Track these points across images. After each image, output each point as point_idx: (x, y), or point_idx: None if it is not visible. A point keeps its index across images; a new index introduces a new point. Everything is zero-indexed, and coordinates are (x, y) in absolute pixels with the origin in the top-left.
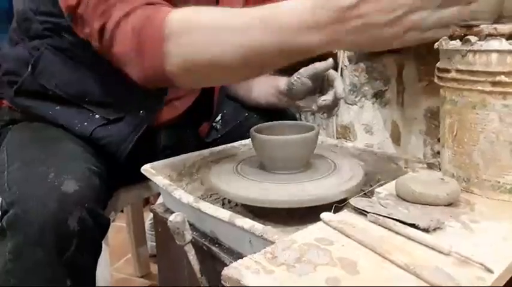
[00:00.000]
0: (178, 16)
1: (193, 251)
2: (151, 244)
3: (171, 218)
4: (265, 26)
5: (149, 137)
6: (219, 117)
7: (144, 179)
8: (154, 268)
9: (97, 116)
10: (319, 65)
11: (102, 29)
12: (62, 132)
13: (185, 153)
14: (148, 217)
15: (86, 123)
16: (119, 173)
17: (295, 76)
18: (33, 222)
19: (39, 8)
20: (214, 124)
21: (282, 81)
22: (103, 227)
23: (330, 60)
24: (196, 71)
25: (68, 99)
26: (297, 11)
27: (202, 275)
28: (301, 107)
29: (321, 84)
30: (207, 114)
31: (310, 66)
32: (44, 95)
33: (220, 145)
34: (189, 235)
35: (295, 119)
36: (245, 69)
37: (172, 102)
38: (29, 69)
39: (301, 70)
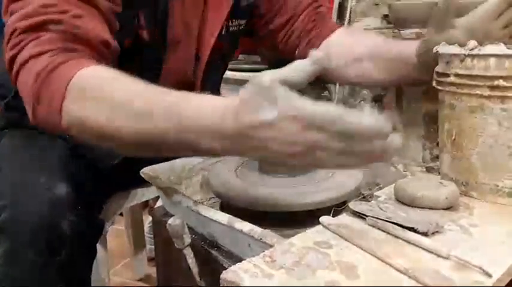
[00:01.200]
0: (85, 77)
1: (192, 255)
2: (150, 247)
3: (170, 221)
4: (168, 119)
5: None
6: None
7: (143, 182)
8: (153, 272)
9: None
10: None
11: (11, 60)
12: (53, 137)
13: (183, 156)
14: (147, 220)
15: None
16: (116, 176)
17: (424, 41)
18: (25, 226)
19: None
20: None
21: (410, 47)
22: (97, 230)
23: None
24: (89, 137)
25: None
26: (207, 114)
27: (201, 279)
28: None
29: None
30: None
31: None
32: None
33: None
34: (188, 238)
35: None
36: (139, 151)
37: None
38: (12, 93)
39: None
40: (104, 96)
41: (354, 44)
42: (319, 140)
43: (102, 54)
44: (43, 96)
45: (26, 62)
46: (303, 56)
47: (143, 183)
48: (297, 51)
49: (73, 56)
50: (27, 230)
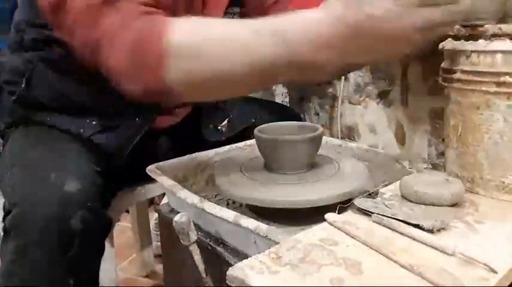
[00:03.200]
0: (179, 27)
1: (198, 251)
2: (156, 244)
3: (176, 218)
4: (275, 40)
5: (150, 139)
6: (225, 122)
7: (149, 179)
8: (159, 268)
9: (94, 122)
10: None
11: (89, 40)
12: (63, 134)
13: (188, 154)
14: (153, 217)
15: (82, 130)
16: (122, 173)
17: None
18: (35, 222)
19: (31, 20)
20: (219, 127)
21: None
22: (106, 226)
23: None
24: (200, 86)
25: (63, 109)
26: (312, 25)
27: (207, 275)
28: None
29: None
30: (209, 117)
31: None
32: (40, 105)
33: (224, 145)
34: (194, 235)
35: (300, 120)
36: (253, 83)
37: (172, 110)
38: (23, 85)
39: None
40: (206, 38)
41: None
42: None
43: (167, 9)
44: (142, 62)
45: (112, 36)
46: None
47: (149, 180)
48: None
49: (154, 17)
50: (37, 227)
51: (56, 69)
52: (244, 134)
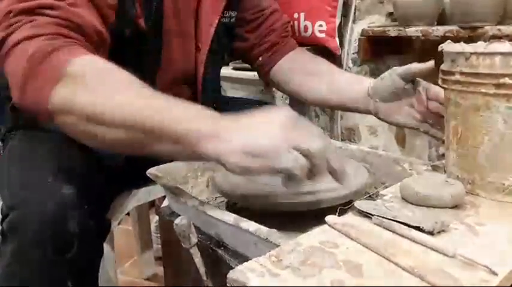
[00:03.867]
0: (82, 64)
1: (198, 254)
2: (157, 246)
3: (177, 221)
4: (154, 116)
5: None
6: None
7: (149, 181)
8: (160, 271)
9: None
10: (415, 66)
11: (3, 40)
12: (63, 137)
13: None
14: (154, 220)
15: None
16: (122, 175)
17: (387, 72)
18: (33, 225)
19: None
20: None
21: (369, 82)
22: (104, 229)
23: (430, 63)
24: (71, 122)
25: None
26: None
27: (207, 278)
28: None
29: (412, 93)
30: None
31: (407, 65)
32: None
33: None
34: (194, 238)
35: None
36: (116, 146)
37: None
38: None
39: (395, 67)
40: (99, 84)
41: (307, 62)
42: None
43: (95, 43)
44: (36, 76)
45: (18, 43)
46: (264, 65)
47: (149, 182)
48: (260, 59)
49: (69, 42)
50: (35, 230)
51: None
52: None
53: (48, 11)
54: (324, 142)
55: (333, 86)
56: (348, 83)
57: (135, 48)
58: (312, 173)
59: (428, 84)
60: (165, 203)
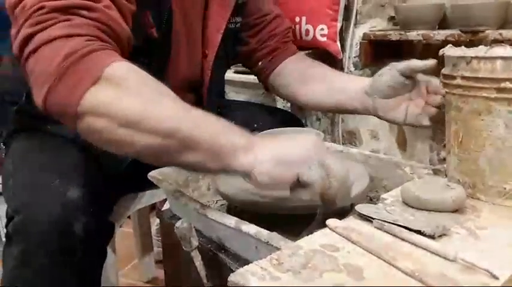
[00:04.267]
0: (122, 68)
1: (199, 257)
2: (157, 249)
3: (178, 224)
4: (197, 125)
5: None
6: None
7: (151, 185)
8: (160, 274)
9: None
10: (415, 62)
11: (30, 36)
12: (66, 141)
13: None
14: (155, 223)
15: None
16: (124, 179)
17: (386, 67)
18: (38, 228)
19: None
20: None
21: (367, 80)
22: (108, 232)
23: (431, 62)
24: (101, 128)
25: None
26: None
27: (208, 281)
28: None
29: (411, 88)
30: None
31: (406, 61)
32: (41, 115)
33: None
34: (195, 241)
35: (301, 125)
36: (144, 154)
37: None
38: (23, 98)
39: (394, 63)
40: (142, 90)
41: (306, 67)
42: None
43: (125, 50)
44: (70, 76)
45: (50, 40)
46: (264, 70)
47: (153, 186)
48: (260, 63)
49: (105, 46)
50: (40, 232)
51: None
52: None
53: (84, 12)
54: (347, 171)
55: (331, 88)
56: (345, 82)
57: (143, 56)
58: (325, 193)
59: (428, 78)
60: (166, 206)
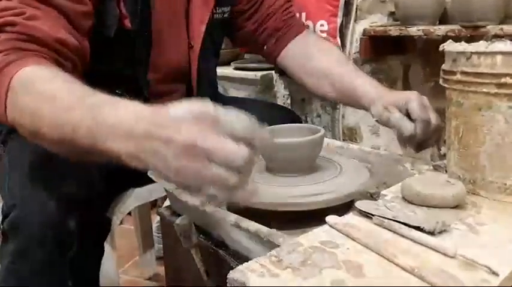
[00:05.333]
0: (23, 75)
1: (199, 254)
2: (158, 246)
3: (178, 221)
4: (84, 116)
5: None
6: None
7: (150, 181)
8: (161, 271)
9: None
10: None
11: None
12: None
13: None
14: (155, 220)
15: None
16: (123, 175)
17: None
18: (33, 224)
19: None
20: None
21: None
22: (104, 228)
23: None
24: (24, 131)
25: None
26: (119, 115)
27: (208, 278)
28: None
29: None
30: None
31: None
32: None
33: None
34: (195, 238)
35: (301, 122)
36: (60, 147)
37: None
38: None
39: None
40: (36, 92)
41: (313, 57)
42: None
43: (60, 52)
44: None
45: None
46: (271, 53)
47: (150, 181)
48: (265, 47)
49: (23, 55)
50: (35, 229)
51: None
52: None
53: (8, 28)
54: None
55: (337, 89)
56: (351, 83)
57: (123, 48)
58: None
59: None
60: (167, 203)
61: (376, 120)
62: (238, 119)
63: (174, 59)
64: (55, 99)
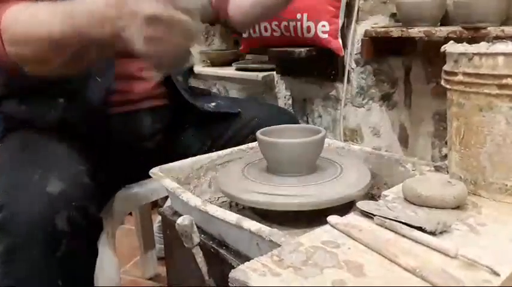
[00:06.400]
0: (10, 12)
1: (201, 254)
2: (159, 246)
3: (179, 221)
4: (64, 20)
5: (135, 123)
6: (213, 103)
7: (139, 179)
8: (162, 271)
9: (60, 100)
10: None
11: None
12: (53, 136)
13: (176, 139)
14: (156, 220)
15: (53, 111)
16: (116, 171)
17: None
18: (21, 224)
19: None
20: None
21: None
22: (95, 226)
23: None
24: (26, 58)
25: (28, 93)
26: (93, 5)
27: (209, 278)
28: None
29: None
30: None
31: None
32: (9, 95)
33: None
34: (196, 238)
35: (296, 121)
36: (58, 57)
37: (139, 75)
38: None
39: None
40: (21, 20)
41: None
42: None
43: None
44: None
45: None
46: (219, 12)
47: (139, 180)
48: (219, 13)
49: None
50: (23, 229)
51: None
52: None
53: None
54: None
55: None
56: None
57: None
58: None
59: None
60: (168, 203)
61: None
62: None
63: None
64: (42, 13)
